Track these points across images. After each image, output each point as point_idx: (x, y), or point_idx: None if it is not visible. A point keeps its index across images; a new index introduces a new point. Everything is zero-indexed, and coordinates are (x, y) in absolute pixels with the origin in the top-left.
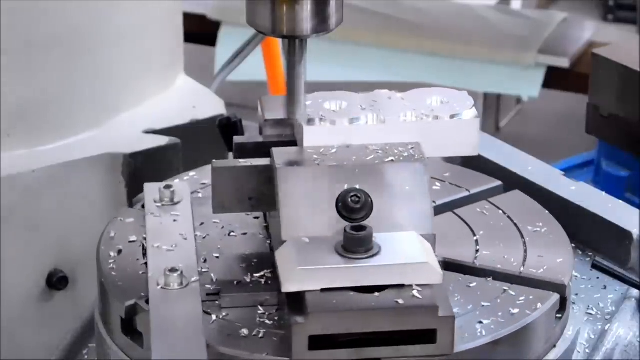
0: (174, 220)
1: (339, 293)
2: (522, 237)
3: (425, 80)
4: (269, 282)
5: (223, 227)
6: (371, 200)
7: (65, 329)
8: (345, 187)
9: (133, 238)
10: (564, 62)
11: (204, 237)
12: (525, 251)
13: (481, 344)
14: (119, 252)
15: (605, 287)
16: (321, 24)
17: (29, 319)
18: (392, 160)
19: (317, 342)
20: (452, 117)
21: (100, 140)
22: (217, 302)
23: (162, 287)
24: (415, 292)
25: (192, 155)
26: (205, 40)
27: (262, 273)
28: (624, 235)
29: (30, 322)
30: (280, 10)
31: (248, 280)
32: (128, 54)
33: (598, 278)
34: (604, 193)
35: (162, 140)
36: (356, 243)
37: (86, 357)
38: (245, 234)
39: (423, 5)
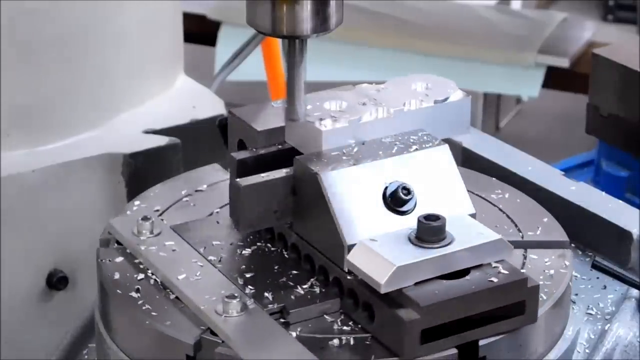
0: (173, 250)
1: (431, 283)
2: (494, 205)
3: None
4: (322, 289)
5: (228, 248)
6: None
7: (65, 329)
8: (386, 181)
9: (141, 276)
10: (564, 62)
11: (219, 260)
12: (509, 217)
13: (547, 308)
14: (137, 290)
15: (605, 287)
16: (321, 24)
17: (29, 319)
18: (417, 149)
19: (424, 336)
20: (445, 99)
21: (100, 140)
22: (282, 320)
23: (225, 316)
24: (500, 269)
25: (192, 155)
26: (205, 40)
27: (309, 283)
28: (624, 235)
29: (30, 322)
30: (280, 11)
31: (302, 292)
32: (128, 54)
33: (598, 278)
34: (604, 193)
35: (162, 140)
36: (434, 232)
37: (86, 357)
38: (255, 249)
39: (423, 5)
